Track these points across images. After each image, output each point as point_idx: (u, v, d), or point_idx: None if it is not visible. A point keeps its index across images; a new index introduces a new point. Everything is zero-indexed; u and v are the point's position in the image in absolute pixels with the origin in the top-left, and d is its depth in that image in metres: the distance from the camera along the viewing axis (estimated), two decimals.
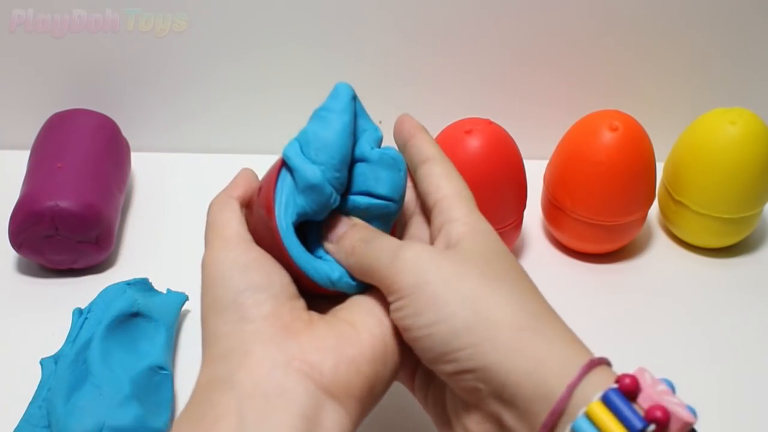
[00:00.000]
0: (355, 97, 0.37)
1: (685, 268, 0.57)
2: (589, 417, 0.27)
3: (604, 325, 0.52)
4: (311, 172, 0.33)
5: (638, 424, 0.27)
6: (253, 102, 0.65)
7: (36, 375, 0.46)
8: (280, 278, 0.33)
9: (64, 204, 0.51)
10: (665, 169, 0.58)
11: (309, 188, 0.34)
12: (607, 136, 0.53)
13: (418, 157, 0.38)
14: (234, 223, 0.36)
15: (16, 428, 0.43)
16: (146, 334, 0.46)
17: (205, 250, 0.36)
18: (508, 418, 0.30)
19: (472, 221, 0.34)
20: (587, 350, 0.30)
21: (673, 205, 0.57)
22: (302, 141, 0.35)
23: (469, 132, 0.51)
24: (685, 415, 0.27)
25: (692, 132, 0.56)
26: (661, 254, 0.59)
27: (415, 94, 0.65)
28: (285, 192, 0.34)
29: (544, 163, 0.58)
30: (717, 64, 0.64)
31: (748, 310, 0.54)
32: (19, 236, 0.52)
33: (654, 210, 0.59)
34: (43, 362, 0.46)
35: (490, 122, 0.52)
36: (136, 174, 0.63)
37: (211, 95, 0.65)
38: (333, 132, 0.34)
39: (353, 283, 0.35)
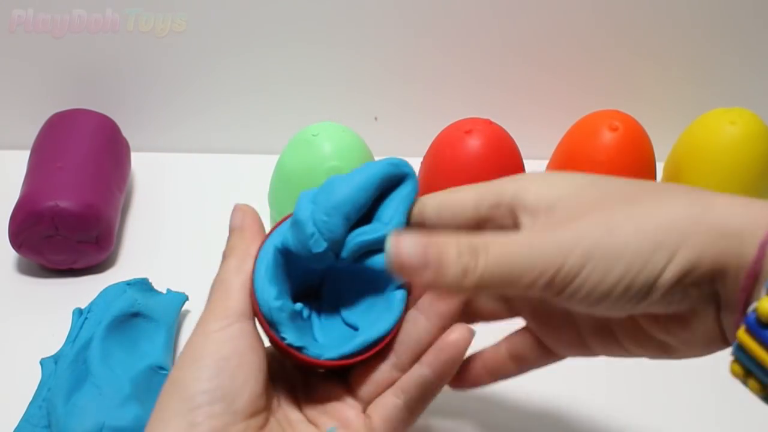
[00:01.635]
0: (395, 179, 0.34)
1: None
2: None
3: None
4: (302, 209, 0.33)
5: None
6: (253, 102, 0.66)
7: (36, 375, 0.46)
8: (252, 388, 0.32)
9: (64, 204, 0.51)
10: (665, 169, 0.58)
11: (293, 222, 0.33)
12: (607, 136, 0.53)
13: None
14: (239, 293, 0.34)
15: (16, 428, 0.43)
16: (146, 334, 0.46)
17: (204, 311, 0.34)
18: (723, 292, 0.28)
19: (537, 177, 0.32)
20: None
21: None
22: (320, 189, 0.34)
23: (469, 132, 0.51)
24: None
25: (692, 132, 0.56)
26: None
27: (415, 94, 0.65)
28: (278, 234, 0.34)
29: (544, 163, 0.58)
30: (717, 64, 0.64)
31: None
32: (19, 236, 0.52)
33: None
34: (43, 362, 0.46)
35: (490, 122, 0.52)
36: (136, 174, 0.63)
37: (211, 95, 0.65)
38: (342, 181, 0.33)
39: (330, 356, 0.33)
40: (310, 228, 0.32)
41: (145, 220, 0.60)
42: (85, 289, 0.52)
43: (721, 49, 0.63)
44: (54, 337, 0.48)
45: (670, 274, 0.27)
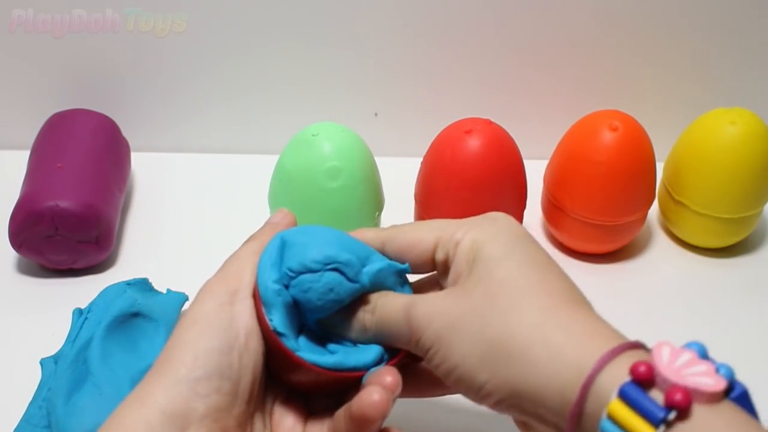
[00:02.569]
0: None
1: (685, 268, 0.57)
2: (611, 418, 0.26)
3: None
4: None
5: (659, 414, 0.25)
6: (253, 102, 0.65)
7: (36, 375, 0.46)
8: (255, 372, 0.32)
9: (64, 204, 0.51)
10: (665, 169, 0.58)
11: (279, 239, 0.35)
12: (607, 136, 0.53)
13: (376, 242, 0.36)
14: (253, 273, 0.34)
15: (16, 428, 0.43)
16: (146, 334, 0.46)
17: (214, 281, 0.34)
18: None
19: (463, 244, 0.34)
20: (609, 337, 0.29)
21: (673, 205, 0.57)
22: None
23: (469, 132, 0.51)
24: (712, 385, 0.26)
25: (692, 132, 0.56)
26: (661, 254, 0.59)
27: (415, 94, 0.65)
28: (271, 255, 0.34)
29: (544, 163, 0.58)
30: (717, 64, 0.64)
31: (748, 310, 0.54)
32: (19, 236, 0.52)
33: (654, 210, 0.59)
34: (43, 362, 0.46)
35: (490, 122, 0.52)
36: (136, 174, 0.63)
37: (211, 95, 0.65)
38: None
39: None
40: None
41: (145, 220, 0.60)
42: (85, 289, 0.52)
43: (721, 49, 0.63)
44: (54, 337, 0.48)
45: (487, 394, 0.30)
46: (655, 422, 0.25)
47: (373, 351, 0.34)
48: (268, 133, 0.65)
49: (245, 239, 0.37)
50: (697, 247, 0.58)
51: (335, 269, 0.33)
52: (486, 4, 0.61)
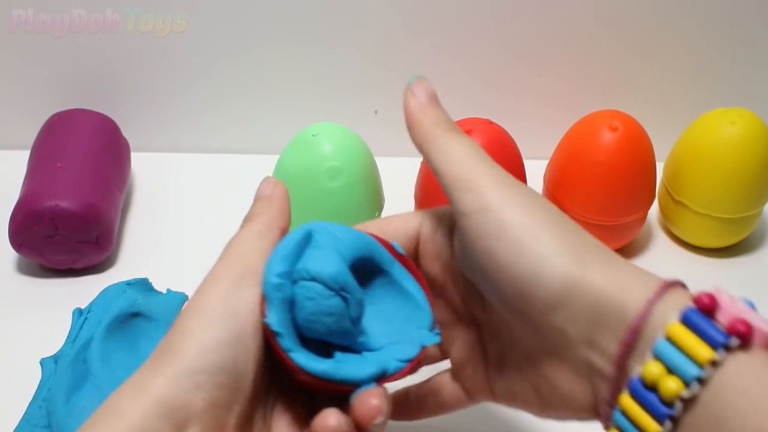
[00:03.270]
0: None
1: (685, 268, 0.57)
2: (669, 338, 0.26)
3: None
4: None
5: (720, 338, 0.26)
6: (253, 102, 0.65)
7: (36, 375, 0.46)
8: (257, 367, 0.30)
9: (64, 204, 0.51)
10: (665, 169, 0.58)
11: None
12: (607, 136, 0.53)
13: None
14: (260, 259, 0.31)
15: (16, 428, 0.43)
16: (146, 334, 0.46)
17: (217, 268, 0.31)
18: (597, 358, 0.28)
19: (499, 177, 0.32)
20: (654, 276, 0.29)
21: (673, 205, 0.57)
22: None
23: (469, 132, 0.51)
24: None
25: (692, 132, 0.56)
26: (661, 254, 0.59)
27: None
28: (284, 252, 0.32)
29: (544, 163, 0.58)
30: (717, 64, 0.64)
31: None
32: (19, 236, 0.52)
33: (654, 210, 0.59)
34: (43, 362, 0.46)
35: (490, 122, 0.52)
36: (136, 174, 0.63)
37: (211, 95, 0.65)
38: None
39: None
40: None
41: (145, 220, 0.60)
42: (85, 289, 0.52)
43: (721, 49, 0.63)
44: (54, 337, 0.48)
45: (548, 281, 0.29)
46: (715, 345, 0.25)
47: (372, 365, 0.31)
48: (268, 133, 0.65)
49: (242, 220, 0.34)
50: (697, 247, 0.58)
51: (345, 299, 0.30)
52: (486, 4, 0.61)
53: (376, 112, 0.63)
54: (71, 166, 0.54)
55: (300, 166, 0.51)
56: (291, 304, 0.31)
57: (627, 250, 0.58)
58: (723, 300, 0.27)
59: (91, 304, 0.47)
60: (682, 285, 0.29)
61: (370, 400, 0.30)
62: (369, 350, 0.32)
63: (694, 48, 0.63)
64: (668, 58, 0.64)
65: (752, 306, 0.28)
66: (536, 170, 0.57)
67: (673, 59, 0.64)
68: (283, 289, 0.30)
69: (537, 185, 0.57)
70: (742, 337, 0.26)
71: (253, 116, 0.66)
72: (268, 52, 0.63)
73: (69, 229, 0.51)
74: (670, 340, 0.26)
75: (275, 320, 0.30)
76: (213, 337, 0.29)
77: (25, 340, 0.49)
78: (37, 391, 0.44)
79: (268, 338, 0.31)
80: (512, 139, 0.53)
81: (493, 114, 0.54)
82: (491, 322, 0.34)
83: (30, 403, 0.44)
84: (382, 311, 0.34)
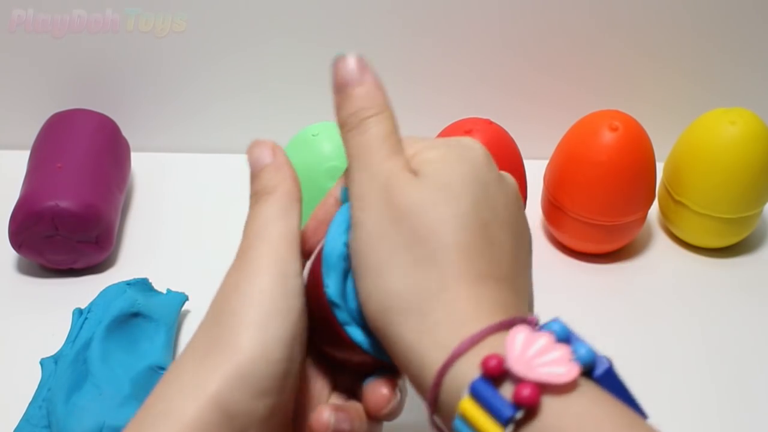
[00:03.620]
0: None
1: (685, 268, 0.57)
2: (462, 416, 0.24)
3: (604, 325, 0.52)
4: None
5: (507, 413, 0.23)
6: (253, 102, 0.65)
7: (36, 375, 0.46)
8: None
9: (64, 204, 0.51)
10: (665, 169, 0.58)
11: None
12: (607, 136, 0.53)
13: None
14: (285, 246, 0.29)
15: (16, 428, 0.43)
16: (146, 334, 0.46)
17: (239, 262, 0.29)
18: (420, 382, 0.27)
19: (425, 145, 0.30)
20: (493, 314, 0.26)
21: (673, 205, 0.57)
22: None
23: (469, 132, 0.51)
24: (563, 374, 0.24)
25: (692, 132, 0.56)
26: (661, 254, 0.59)
27: (415, 94, 0.65)
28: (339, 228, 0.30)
29: (544, 163, 0.58)
30: (717, 64, 0.64)
31: (748, 310, 0.54)
32: (19, 236, 0.52)
33: (654, 210, 0.59)
34: (43, 362, 0.46)
35: (490, 122, 0.52)
36: (136, 174, 0.63)
37: (211, 95, 0.65)
38: None
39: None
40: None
41: (145, 220, 0.60)
42: (85, 289, 0.52)
43: (721, 49, 0.63)
44: (54, 337, 0.48)
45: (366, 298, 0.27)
46: (502, 421, 0.23)
47: None
48: (268, 133, 0.64)
49: (251, 196, 0.32)
50: (697, 247, 0.58)
51: None
52: (486, 4, 0.61)
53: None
54: (71, 166, 0.54)
55: (300, 166, 0.50)
56: (345, 277, 0.30)
57: (627, 250, 0.58)
58: (513, 353, 0.24)
59: (91, 304, 0.47)
60: (506, 326, 0.25)
61: (380, 389, 0.29)
62: None
63: (694, 48, 0.63)
64: (668, 58, 0.64)
65: (561, 331, 0.25)
66: (536, 170, 0.57)
67: (673, 59, 0.64)
68: (347, 260, 0.29)
69: (537, 185, 0.57)
70: (529, 406, 0.23)
71: (253, 116, 0.66)
72: (267, 51, 0.63)
73: (69, 229, 0.51)
74: (464, 419, 0.24)
75: (335, 291, 0.29)
76: (274, 336, 0.27)
77: (25, 340, 0.49)
78: (37, 391, 0.44)
79: (323, 310, 0.30)
80: (512, 139, 0.53)
81: (493, 114, 0.54)
82: None
83: (30, 403, 0.44)
84: None
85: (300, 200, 0.31)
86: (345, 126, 0.30)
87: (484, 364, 0.24)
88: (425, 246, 0.27)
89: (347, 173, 0.30)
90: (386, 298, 0.27)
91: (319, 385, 0.32)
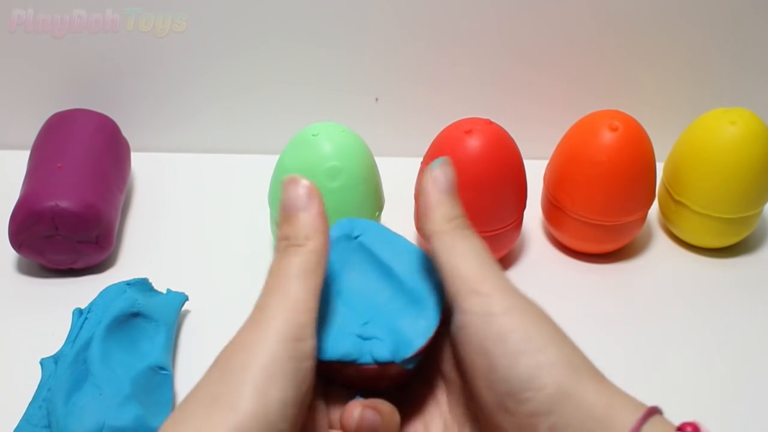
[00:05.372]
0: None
1: (685, 268, 0.57)
2: None
3: (605, 325, 0.52)
4: None
5: None
6: (252, 102, 0.65)
7: (36, 375, 0.46)
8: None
9: (64, 204, 0.51)
10: (665, 169, 0.58)
11: None
12: (607, 136, 0.53)
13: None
14: (308, 310, 0.29)
15: (16, 428, 0.43)
16: (146, 334, 0.46)
17: (255, 321, 0.29)
18: None
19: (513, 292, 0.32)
20: (638, 401, 0.30)
21: (673, 205, 0.57)
22: None
23: (469, 132, 0.51)
24: None
25: (692, 132, 0.56)
26: (661, 254, 0.59)
27: (416, 94, 0.65)
28: None
29: (544, 163, 0.58)
30: (717, 64, 0.64)
31: (748, 310, 0.54)
32: (19, 236, 0.52)
33: (654, 210, 0.59)
34: (43, 362, 0.46)
35: (490, 122, 0.52)
36: (136, 174, 0.63)
37: (211, 95, 0.65)
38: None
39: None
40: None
41: (145, 220, 0.60)
42: (85, 289, 0.52)
43: (721, 49, 0.64)
44: (54, 337, 0.48)
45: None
46: None
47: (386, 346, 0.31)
48: (268, 133, 0.65)
49: (279, 239, 0.31)
50: (697, 247, 0.58)
51: None
52: (486, 5, 0.61)
53: (377, 99, 0.63)
54: (71, 166, 0.54)
55: (300, 166, 0.51)
56: None
57: (627, 250, 0.58)
58: (704, 428, 0.27)
59: (91, 304, 0.47)
60: (660, 411, 0.29)
61: (352, 412, 0.30)
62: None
63: (694, 48, 0.63)
64: (668, 58, 0.64)
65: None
66: (536, 170, 0.57)
67: (673, 59, 0.64)
68: None
69: (537, 185, 0.57)
70: None
71: (253, 116, 0.66)
72: (267, 52, 0.63)
73: (69, 229, 0.51)
74: None
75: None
76: (277, 398, 0.27)
77: (25, 340, 0.49)
78: (37, 391, 0.44)
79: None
80: (512, 139, 0.53)
81: (493, 114, 0.53)
82: (475, 415, 0.33)
83: (30, 403, 0.44)
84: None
85: (327, 256, 0.31)
86: (276, 247, 0.31)
87: (682, 428, 0.28)
88: (564, 335, 0.30)
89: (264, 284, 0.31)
90: (564, 362, 0.29)
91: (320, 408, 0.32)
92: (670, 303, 0.55)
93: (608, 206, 0.54)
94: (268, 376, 0.27)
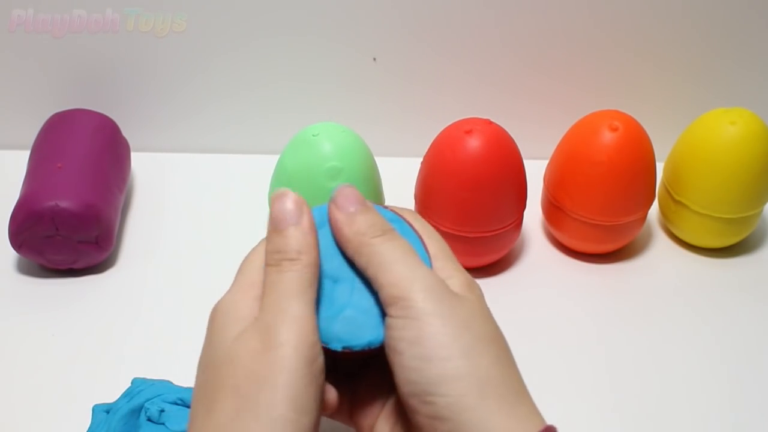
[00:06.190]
0: None
1: (685, 268, 0.57)
2: None
3: (604, 325, 0.52)
4: None
5: None
6: (253, 102, 0.65)
7: (36, 375, 0.46)
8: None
9: (64, 204, 0.51)
10: (665, 169, 0.58)
11: None
12: (607, 136, 0.53)
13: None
14: (305, 327, 0.30)
15: None
16: None
17: (254, 340, 0.30)
18: None
19: (466, 278, 0.33)
20: (544, 423, 0.30)
21: (673, 205, 0.57)
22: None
23: (469, 132, 0.51)
24: None
25: (692, 132, 0.56)
26: (661, 254, 0.59)
27: (415, 94, 0.65)
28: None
29: (544, 163, 0.58)
30: (717, 64, 0.64)
31: (748, 310, 0.54)
32: (19, 236, 0.52)
33: (654, 210, 0.59)
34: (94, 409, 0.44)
35: (490, 122, 0.52)
36: (136, 174, 0.63)
37: (211, 95, 0.65)
38: None
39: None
40: None
41: (145, 220, 0.60)
42: (85, 289, 0.52)
43: (721, 49, 0.63)
44: (54, 337, 0.48)
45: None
46: None
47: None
48: (268, 133, 0.65)
49: (270, 254, 0.32)
50: (697, 247, 0.58)
51: None
52: (486, 5, 0.61)
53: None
54: (71, 166, 0.54)
55: (300, 166, 0.51)
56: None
57: (627, 250, 0.58)
58: None
59: (156, 384, 0.44)
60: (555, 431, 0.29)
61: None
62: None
63: (694, 48, 0.63)
64: (668, 58, 0.64)
65: None
66: (536, 170, 0.57)
67: (673, 59, 0.64)
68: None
69: (537, 185, 0.57)
70: None
71: (253, 116, 0.66)
72: (267, 51, 0.63)
73: (69, 229, 0.51)
74: None
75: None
76: (308, 422, 0.28)
77: (25, 340, 0.49)
78: None
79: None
80: (512, 139, 0.53)
81: (493, 114, 0.53)
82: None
83: None
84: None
85: (317, 275, 0.31)
86: (268, 260, 0.31)
87: None
88: (487, 346, 0.31)
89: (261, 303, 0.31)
90: (470, 376, 0.30)
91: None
92: (670, 303, 0.55)
93: (608, 206, 0.54)
94: (298, 409, 0.28)
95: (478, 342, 0.30)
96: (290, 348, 0.29)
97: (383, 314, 0.32)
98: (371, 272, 0.32)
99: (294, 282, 0.30)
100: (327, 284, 0.32)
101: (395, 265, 0.31)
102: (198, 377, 0.31)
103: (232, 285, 0.32)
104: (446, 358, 0.29)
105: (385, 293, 0.31)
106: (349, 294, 0.32)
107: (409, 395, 0.30)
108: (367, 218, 0.33)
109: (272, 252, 0.31)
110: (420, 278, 0.31)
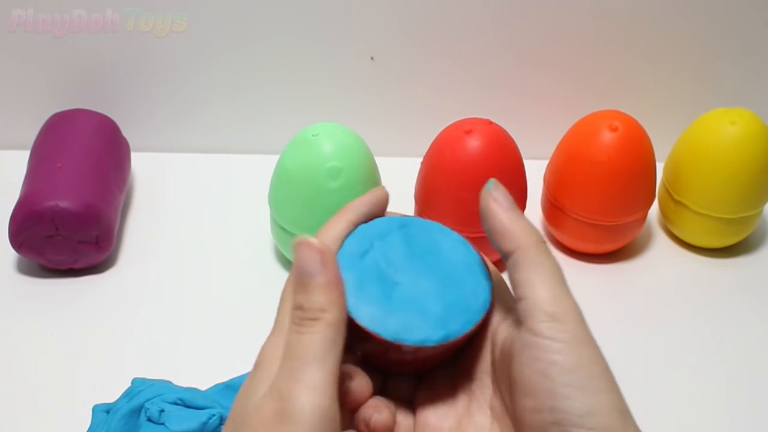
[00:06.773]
0: None
1: (685, 268, 0.57)
2: None
3: (604, 324, 0.52)
4: None
5: None
6: (253, 102, 0.65)
7: (35, 374, 0.46)
8: None
9: (64, 204, 0.51)
10: (665, 169, 0.58)
11: None
12: (607, 136, 0.53)
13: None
14: (326, 396, 0.27)
15: None
16: None
17: (268, 410, 0.28)
18: None
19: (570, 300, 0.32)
20: None
21: (673, 205, 0.57)
22: None
23: (469, 132, 0.51)
24: None
25: (692, 132, 0.56)
26: (661, 254, 0.59)
27: (415, 94, 0.65)
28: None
29: (544, 163, 0.58)
30: (717, 64, 0.64)
31: (748, 310, 0.54)
32: (19, 236, 0.52)
33: (654, 210, 0.59)
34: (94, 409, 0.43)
35: (490, 122, 0.52)
36: (136, 174, 0.63)
37: (211, 95, 0.65)
38: None
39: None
40: None
41: (145, 220, 0.60)
42: (85, 289, 0.52)
43: (721, 49, 0.64)
44: (54, 337, 0.48)
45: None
46: None
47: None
48: (268, 133, 0.65)
49: (295, 308, 0.29)
50: (697, 247, 0.58)
51: None
52: (486, 5, 0.61)
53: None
54: (71, 166, 0.54)
55: (300, 166, 0.51)
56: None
57: (627, 250, 0.58)
58: None
59: (155, 384, 0.44)
60: None
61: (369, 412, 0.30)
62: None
63: (694, 48, 0.63)
64: (668, 58, 0.64)
65: None
66: (536, 170, 0.57)
67: (673, 59, 0.64)
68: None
69: (537, 185, 0.57)
70: None
71: (253, 116, 0.66)
72: (267, 52, 0.63)
73: (69, 229, 0.51)
74: None
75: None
76: None
77: (25, 340, 0.49)
78: None
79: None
80: (512, 139, 0.53)
81: (493, 114, 0.54)
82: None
83: None
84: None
85: (345, 328, 0.29)
86: (292, 317, 0.29)
87: None
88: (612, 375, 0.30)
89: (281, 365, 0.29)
90: (617, 407, 0.29)
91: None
92: (670, 303, 0.55)
93: (608, 206, 0.54)
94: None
95: (612, 376, 0.30)
96: (305, 424, 0.26)
97: (447, 319, 0.31)
98: (524, 278, 0.31)
99: (314, 345, 0.28)
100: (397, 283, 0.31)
101: (550, 280, 0.31)
102: (226, 426, 0.29)
103: (274, 325, 0.30)
104: (598, 390, 0.29)
105: (532, 305, 0.30)
106: (420, 292, 0.31)
107: (549, 423, 0.29)
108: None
109: (295, 309, 0.29)
110: (570, 302, 0.30)
